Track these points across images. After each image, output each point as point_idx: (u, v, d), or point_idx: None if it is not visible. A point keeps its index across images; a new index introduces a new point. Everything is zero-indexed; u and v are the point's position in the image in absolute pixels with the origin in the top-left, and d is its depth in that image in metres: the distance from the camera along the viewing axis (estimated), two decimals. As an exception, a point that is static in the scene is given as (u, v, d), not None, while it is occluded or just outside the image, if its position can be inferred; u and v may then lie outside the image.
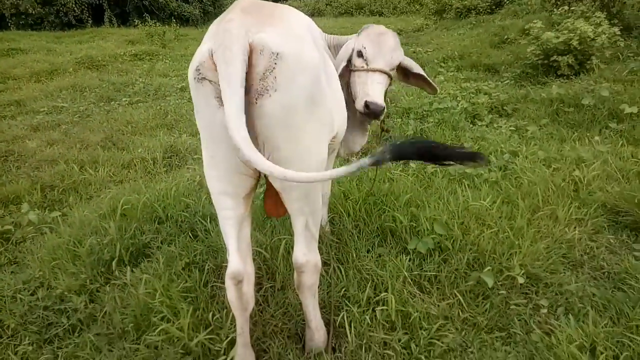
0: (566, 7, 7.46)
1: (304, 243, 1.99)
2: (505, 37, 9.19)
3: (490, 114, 5.55)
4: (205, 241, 3.01)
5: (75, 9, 19.76)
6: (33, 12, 18.86)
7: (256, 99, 1.61)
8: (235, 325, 2.05)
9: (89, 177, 4.36)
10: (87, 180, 4.31)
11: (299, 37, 1.74)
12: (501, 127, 5.06)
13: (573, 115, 5.07)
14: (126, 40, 14.55)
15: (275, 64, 1.60)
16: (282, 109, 1.66)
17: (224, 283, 2.27)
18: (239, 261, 1.90)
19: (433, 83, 2.84)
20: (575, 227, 3.22)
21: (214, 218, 3.40)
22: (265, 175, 1.81)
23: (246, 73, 1.55)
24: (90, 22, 19.96)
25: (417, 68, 2.79)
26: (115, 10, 21.05)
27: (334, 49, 2.84)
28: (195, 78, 1.64)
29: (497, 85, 6.53)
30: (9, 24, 18.45)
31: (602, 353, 2.16)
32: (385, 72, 2.56)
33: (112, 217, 3.17)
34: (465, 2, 13.90)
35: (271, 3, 1.85)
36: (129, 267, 2.73)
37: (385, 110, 2.53)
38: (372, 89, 2.51)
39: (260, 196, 3.23)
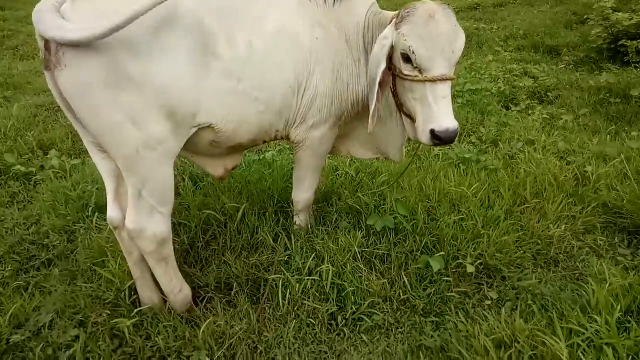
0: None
1: (133, 210, 2.04)
2: (586, 16, 8.41)
3: (529, 99, 5.21)
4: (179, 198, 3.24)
5: None
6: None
7: (53, 69, 1.74)
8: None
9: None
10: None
11: (107, 15, 1.66)
12: (535, 114, 4.76)
13: (618, 107, 4.64)
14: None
15: (62, 47, 1.68)
16: (72, 84, 1.74)
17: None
18: (113, 210, 2.20)
19: None
20: (564, 225, 3.04)
21: (199, 177, 3.62)
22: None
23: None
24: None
25: None
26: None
27: (375, 30, 2.29)
28: None
29: (550, 70, 6.07)
30: None
31: (517, 349, 2.10)
32: (449, 79, 2.02)
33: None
34: (557, -24, 12.77)
35: None
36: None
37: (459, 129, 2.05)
38: (438, 109, 2.00)
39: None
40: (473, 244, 2.79)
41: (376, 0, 2.43)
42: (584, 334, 2.08)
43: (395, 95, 2.28)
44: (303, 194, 2.74)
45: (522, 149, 3.92)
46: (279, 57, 2.17)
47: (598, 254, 2.86)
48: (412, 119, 2.21)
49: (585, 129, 4.38)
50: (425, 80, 2.01)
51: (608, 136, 4.14)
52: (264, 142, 2.46)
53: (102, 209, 3.11)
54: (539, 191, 3.30)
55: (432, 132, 2.02)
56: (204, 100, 2.00)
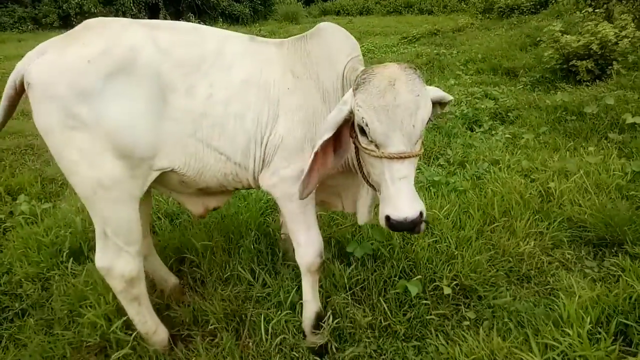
0: (589, 10, 7.10)
1: (99, 249, 2.13)
2: (538, 39, 8.85)
3: (491, 120, 5.43)
4: (158, 236, 3.22)
5: (133, 7, 20.89)
6: (95, 10, 20.10)
7: None
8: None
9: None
10: (86, 174, 4.64)
11: (62, 65, 1.86)
12: (497, 134, 4.95)
13: (574, 124, 4.88)
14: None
15: (29, 91, 1.88)
16: (39, 129, 1.91)
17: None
18: None
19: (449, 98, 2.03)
20: (533, 241, 3.15)
21: (172, 216, 3.61)
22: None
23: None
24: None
25: (447, 97, 1.99)
26: (170, 8, 22.05)
27: (348, 83, 2.14)
28: None
29: (509, 91, 6.34)
30: (74, 23, 19.81)
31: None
32: (408, 156, 1.71)
33: (83, 211, 3.45)
34: (509, 1, 13.44)
35: (96, 21, 2.04)
36: (81, 259, 2.99)
37: (424, 217, 1.73)
38: (395, 191, 1.71)
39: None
40: (448, 265, 2.87)
41: (360, 55, 2.28)
42: (558, 347, 2.16)
43: (360, 164, 2.01)
44: (301, 252, 2.35)
45: (487, 169, 4.07)
46: (241, 107, 2.13)
47: (567, 268, 2.97)
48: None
49: (546, 146, 4.58)
50: (382, 157, 1.72)
51: (567, 152, 4.34)
52: (237, 189, 2.42)
53: (76, 253, 3.07)
54: (507, 209, 3.43)
55: (387, 218, 1.71)
56: (162, 145, 2.05)
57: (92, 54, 1.87)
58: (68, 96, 1.84)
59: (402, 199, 1.69)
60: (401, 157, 1.69)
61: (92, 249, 3.15)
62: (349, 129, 1.89)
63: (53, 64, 1.86)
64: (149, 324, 2.33)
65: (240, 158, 2.20)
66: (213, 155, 2.15)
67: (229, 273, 2.88)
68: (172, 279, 2.84)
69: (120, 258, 2.12)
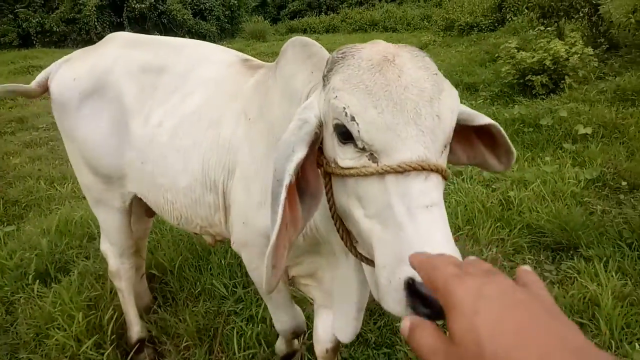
0: (542, 28, 7.48)
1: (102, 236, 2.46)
2: (497, 55, 9.22)
3: (454, 133, 5.61)
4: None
5: (97, 26, 20.64)
6: (57, 29, 19.77)
7: None
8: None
9: (54, 193, 4.63)
10: (51, 196, 4.58)
11: (61, 78, 2.06)
12: (460, 146, 5.12)
13: (531, 135, 5.11)
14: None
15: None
16: None
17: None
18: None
19: (509, 144, 1.25)
20: (495, 247, 3.28)
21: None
22: None
23: None
24: (111, 39, 20.75)
25: (482, 118, 1.20)
26: (135, 27, 21.88)
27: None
28: None
29: (470, 105, 6.57)
30: (35, 42, 19.41)
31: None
32: (433, 169, 0.94)
33: (49, 232, 3.40)
34: (468, 19, 13.94)
35: (122, 35, 2.14)
36: (48, 281, 2.95)
37: None
38: (417, 230, 0.89)
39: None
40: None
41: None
42: None
43: (336, 214, 1.16)
44: (275, 320, 2.03)
45: (451, 180, 4.21)
46: (186, 142, 1.79)
47: (527, 272, 3.10)
48: (371, 263, 1.11)
49: (506, 157, 4.77)
50: (384, 172, 0.94)
51: (525, 162, 4.54)
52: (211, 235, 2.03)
53: (42, 275, 3.02)
54: (470, 218, 3.56)
55: (410, 283, 0.84)
56: (128, 170, 2.01)
57: (79, 72, 2.00)
58: (59, 107, 2.06)
59: (437, 240, 0.86)
60: (422, 169, 0.92)
61: (60, 270, 3.12)
62: (314, 156, 1.13)
63: (60, 75, 2.06)
64: (128, 318, 2.53)
65: (188, 202, 1.85)
66: (160, 193, 1.91)
67: (199, 289, 2.88)
68: (147, 298, 2.87)
69: (109, 250, 2.40)
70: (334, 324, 1.67)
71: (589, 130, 4.74)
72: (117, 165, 2.01)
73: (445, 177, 0.97)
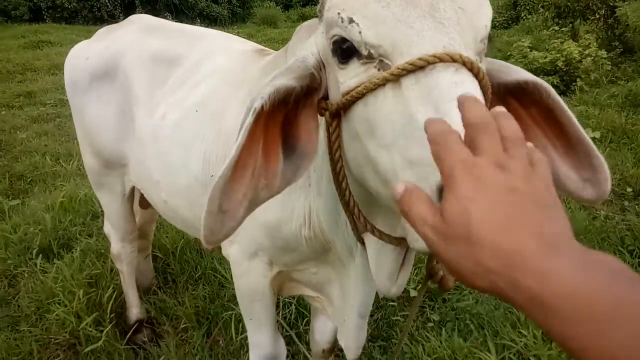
0: (556, 28, 7.40)
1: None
2: (509, 53, 9.14)
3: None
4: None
5: (108, 4, 20.56)
6: (68, 6, 19.70)
7: None
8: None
9: (60, 169, 4.65)
10: (57, 172, 4.59)
11: (75, 55, 2.09)
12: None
13: (538, 136, 5.07)
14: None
15: None
16: None
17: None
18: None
19: (580, 132, 0.91)
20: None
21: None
22: None
23: None
24: (122, 17, 20.66)
25: (521, 73, 0.99)
26: (147, 7, 21.76)
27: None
28: None
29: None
30: (45, 17, 19.36)
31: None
32: (467, 64, 0.73)
33: (53, 208, 3.43)
34: (482, 15, 13.79)
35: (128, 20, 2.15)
36: (50, 256, 2.98)
37: None
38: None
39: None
40: (415, 269, 2.97)
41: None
42: (514, 347, 2.28)
43: (342, 171, 1.00)
44: (251, 346, 1.81)
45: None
46: (187, 137, 1.64)
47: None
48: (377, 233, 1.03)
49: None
50: (399, 74, 0.75)
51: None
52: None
53: (45, 251, 3.05)
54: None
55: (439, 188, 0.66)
56: (130, 159, 1.94)
57: (92, 52, 1.99)
58: (70, 84, 2.04)
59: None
60: (452, 60, 0.73)
61: (63, 246, 3.15)
62: (309, 110, 0.96)
63: (75, 51, 2.09)
64: (128, 299, 2.58)
65: (184, 204, 1.70)
66: (156, 191, 1.81)
67: (200, 272, 2.91)
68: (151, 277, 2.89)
69: (111, 233, 2.44)
70: (342, 342, 1.59)
71: (597, 135, 4.70)
72: (119, 153, 1.97)
73: (484, 89, 0.75)
